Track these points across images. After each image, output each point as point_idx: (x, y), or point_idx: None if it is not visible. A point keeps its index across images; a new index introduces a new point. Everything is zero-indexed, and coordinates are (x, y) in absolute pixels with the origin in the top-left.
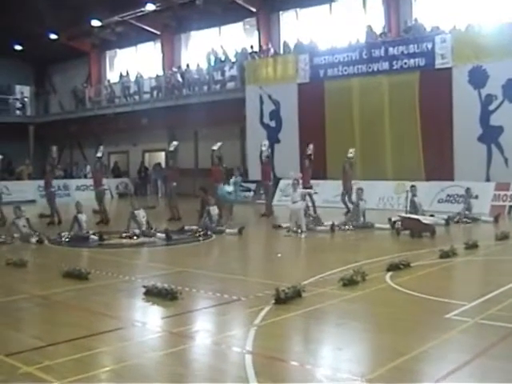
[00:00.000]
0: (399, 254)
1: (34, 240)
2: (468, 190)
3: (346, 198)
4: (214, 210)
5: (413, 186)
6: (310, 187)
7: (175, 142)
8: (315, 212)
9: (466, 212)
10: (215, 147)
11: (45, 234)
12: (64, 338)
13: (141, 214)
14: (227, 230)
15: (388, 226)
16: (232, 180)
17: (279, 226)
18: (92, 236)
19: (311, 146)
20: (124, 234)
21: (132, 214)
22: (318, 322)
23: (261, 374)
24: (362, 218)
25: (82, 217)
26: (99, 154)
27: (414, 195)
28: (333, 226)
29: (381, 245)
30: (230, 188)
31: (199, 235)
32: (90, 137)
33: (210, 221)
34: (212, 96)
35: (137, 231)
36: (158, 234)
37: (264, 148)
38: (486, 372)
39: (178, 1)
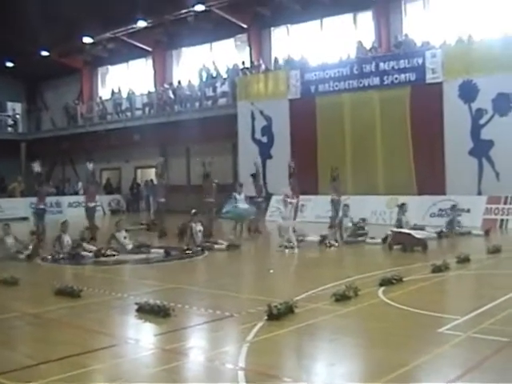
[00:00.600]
0: (391, 268)
1: (22, 256)
2: (454, 206)
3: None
4: (197, 227)
5: (403, 205)
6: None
7: (161, 159)
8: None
9: (457, 228)
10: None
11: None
12: (57, 356)
13: (122, 235)
14: (216, 246)
15: (379, 240)
16: (237, 196)
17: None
18: (84, 252)
19: (292, 164)
20: (103, 252)
21: (112, 236)
22: (310, 337)
23: None
24: (344, 235)
25: (65, 237)
26: (90, 168)
27: (402, 214)
28: (323, 238)
29: (373, 260)
30: (239, 205)
31: (191, 252)
32: (81, 153)
33: (192, 238)
34: (204, 112)
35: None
36: (153, 250)
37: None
38: None
39: (169, 17)
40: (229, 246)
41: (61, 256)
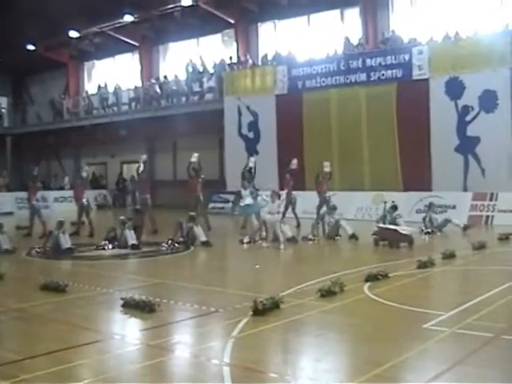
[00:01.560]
0: (377, 264)
1: (3, 248)
2: (430, 204)
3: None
4: (188, 224)
5: (392, 207)
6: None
7: (144, 156)
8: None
9: (440, 225)
10: (193, 159)
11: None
12: (41, 351)
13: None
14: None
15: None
16: (246, 192)
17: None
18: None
19: (295, 161)
20: (96, 246)
21: (112, 228)
22: (296, 333)
23: None
24: (326, 229)
25: (60, 234)
26: (84, 174)
27: (388, 212)
28: (293, 237)
29: (359, 255)
30: (248, 201)
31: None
32: (67, 148)
33: (182, 233)
34: (190, 107)
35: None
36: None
37: (252, 164)
38: (463, 381)
39: (156, 12)
40: (203, 243)
41: (47, 249)
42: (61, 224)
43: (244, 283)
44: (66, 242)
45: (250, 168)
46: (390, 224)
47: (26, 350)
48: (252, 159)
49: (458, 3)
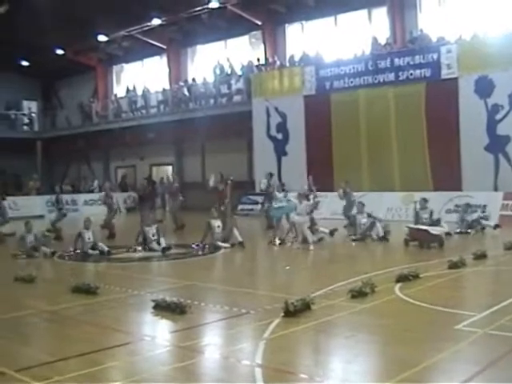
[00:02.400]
0: (408, 265)
1: (37, 254)
2: (467, 205)
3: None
4: (216, 223)
5: (423, 200)
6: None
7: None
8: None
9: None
10: (211, 183)
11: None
12: (73, 353)
13: (151, 231)
14: (223, 245)
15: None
16: (280, 194)
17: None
18: (91, 251)
19: (311, 178)
20: (127, 248)
21: (142, 229)
22: (327, 334)
23: None
24: (358, 231)
25: (87, 233)
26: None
27: (421, 208)
28: (332, 231)
29: (390, 256)
30: (280, 204)
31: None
32: (97, 151)
33: (212, 234)
34: (218, 109)
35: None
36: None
37: (263, 186)
38: (496, 383)
39: (183, 15)
40: (233, 245)
41: (78, 252)
42: (88, 221)
43: (274, 284)
44: (92, 243)
45: (268, 186)
46: (430, 224)
47: (59, 352)
48: (264, 181)
49: (487, 1)
